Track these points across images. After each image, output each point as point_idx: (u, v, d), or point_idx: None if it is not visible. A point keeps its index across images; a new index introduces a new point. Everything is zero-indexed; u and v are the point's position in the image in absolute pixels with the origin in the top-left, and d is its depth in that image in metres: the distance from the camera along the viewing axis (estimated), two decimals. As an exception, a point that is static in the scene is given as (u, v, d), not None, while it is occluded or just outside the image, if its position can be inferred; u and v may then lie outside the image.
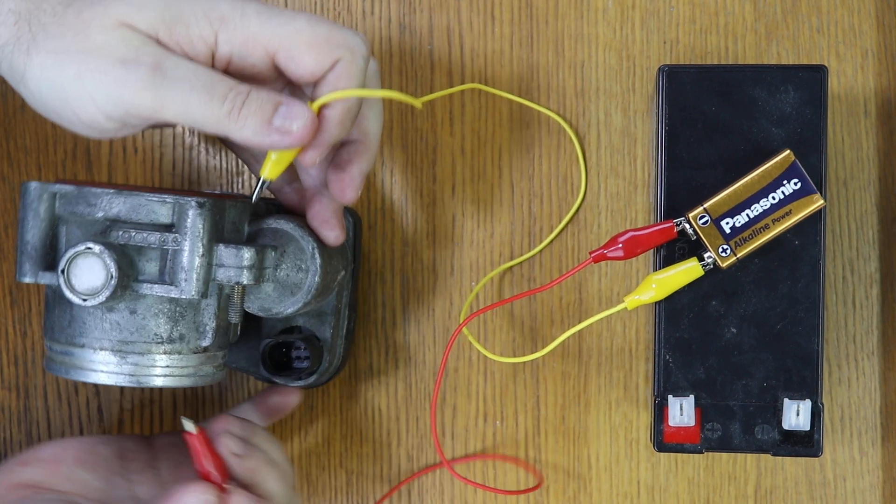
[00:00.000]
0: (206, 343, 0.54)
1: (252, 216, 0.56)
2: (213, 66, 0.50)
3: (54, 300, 0.54)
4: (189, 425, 0.53)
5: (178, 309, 0.53)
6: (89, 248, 0.51)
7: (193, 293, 0.52)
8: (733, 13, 0.64)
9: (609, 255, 0.56)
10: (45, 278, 0.52)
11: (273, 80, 0.52)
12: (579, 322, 0.64)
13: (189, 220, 0.52)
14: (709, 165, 0.56)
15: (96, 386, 0.66)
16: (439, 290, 0.65)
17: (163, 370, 0.53)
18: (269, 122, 0.49)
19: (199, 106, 0.48)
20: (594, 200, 0.64)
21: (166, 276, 0.52)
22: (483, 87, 0.64)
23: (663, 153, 0.56)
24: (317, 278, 0.55)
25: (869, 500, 0.64)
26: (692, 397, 0.56)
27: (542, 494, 0.65)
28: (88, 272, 0.51)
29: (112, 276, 0.50)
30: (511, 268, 0.65)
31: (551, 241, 0.64)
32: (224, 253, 0.53)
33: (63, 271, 0.51)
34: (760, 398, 0.56)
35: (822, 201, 0.54)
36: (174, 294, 0.52)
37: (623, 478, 0.65)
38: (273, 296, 0.56)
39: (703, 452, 0.56)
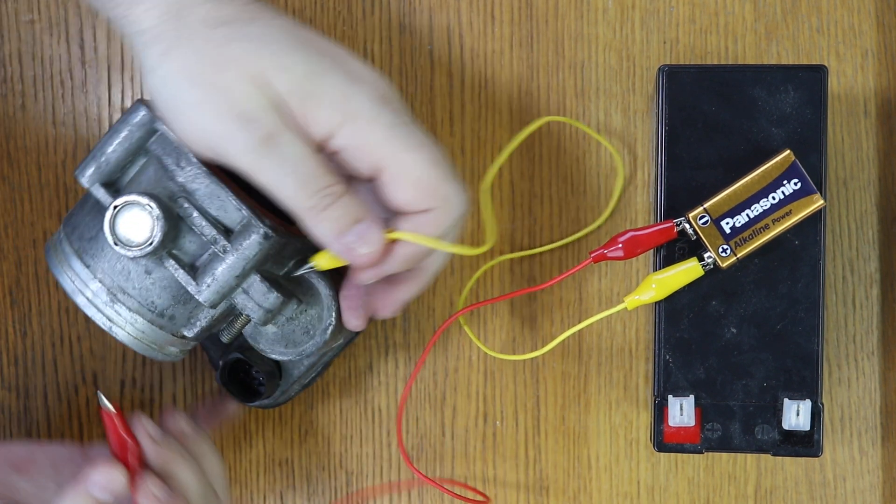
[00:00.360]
0: (188, 334, 0.54)
1: (305, 256, 0.56)
2: (321, 148, 0.49)
3: (92, 209, 0.53)
4: (106, 403, 0.54)
5: (184, 295, 0.52)
6: (149, 207, 0.50)
7: (207, 300, 0.51)
8: (733, 13, 0.64)
9: (609, 255, 0.56)
10: (99, 193, 0.52)
11: (367, 178, 0.51)
12: (579, 321, 0.64)
13: (247, 242, 0.51)
14: (709, 165, 0.56)
15: (96, 385, 0.66)
16: (439, 290, 0.65)
17: (135, 331, 0.52)
18: (341, 234, 0.49)
19: (287, 190, 0.48)
20: (594, 200, 0.64)
21: (197, 265, 0.52)
22: (559, 118, 0.64)
23: (663, 153, 0.56)
24: (315, 348, 0.56)
25: (869, 500, 0.64)
26: (692, 397, 0.56)
27: (543, 494, 0.65)
28: (135, 225, 0.50)
29: (151, 243, 0.50)
30: (511, 267, 0.65)
31: (564, 244, 0.64)
32: (255, 285, 0.52)
33: (115, 207, 0.50)
34: (760, 398, 0.56)
35: (822, 201, 0.54)
36: (191, 289, 0.51)
37: (623, 478, 0.65)
38: (269, 337, 0.56)
39: (703, 452, 0.56)
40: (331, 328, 0.55)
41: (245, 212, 0.51)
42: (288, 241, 0.53)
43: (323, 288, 0.55)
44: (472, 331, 0.65)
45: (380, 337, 0.65)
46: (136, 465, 0.54)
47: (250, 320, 0.54)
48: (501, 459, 0.65)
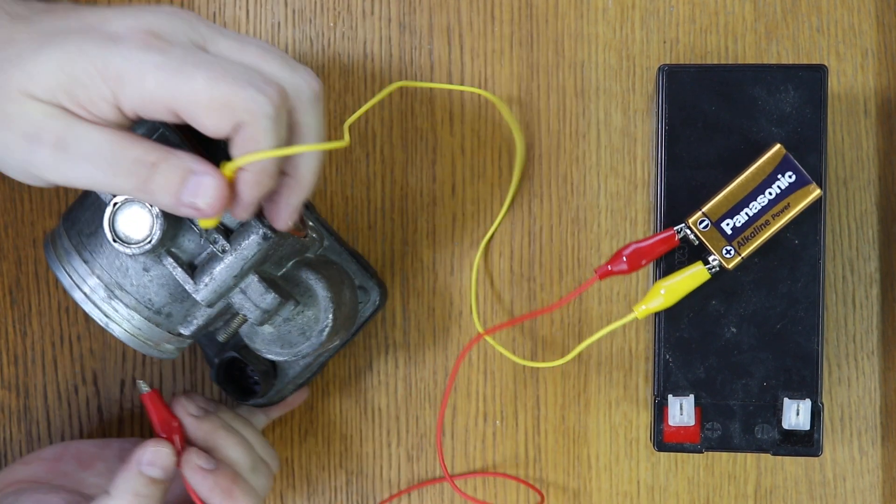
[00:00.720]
0: (184, 332, 0.54)
1: (304, 257, 0.56)
2: (125, 122, 0.47)
3: (92, 205, 0.53)
4: (143, 386, 0.56)
5: (182, 293, 0.52)
6: (149, 205, 0.50)
7: (204, 300, 0.51)
8: (733, 13, 0.64)
9: (614, 270, 0.56)
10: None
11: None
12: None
13: (246, 242, 0.51)
14: (709, 165, 0.56)
15: (96, 385, 0.66)
16: (439, 290, 0.65)
17: (132, 328, 0.53)
18: (177, 196, 0.47)
19: (106, 181, 0.47)
20: (594, 200, 0.64)
21: (195, 264, 0.52)
22: (407, 83, 0.63)
23: (663, 153, 0.56)
24: (311, 349, 0.56)
25: (869, 500, 0.64)
26: (692, 397, 0.56)
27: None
28: (135, 223, 0.50)
29: (150, 241, 0.50)
30: (511, 267, 0.65)
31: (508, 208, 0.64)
32: (253, 285, 0.52)
33: (115, 204, 0.50)
34: (760, 398, 0.56)
35: (818, 191, 0.54)
36: (188, 288, 0.51)
37: (623, 478, 0.64)
38: (265, 337, 0.56)
39: (703, 452, 0.56)
40: (327, 330, 0.55)
41: None
42: (286, 241, 0.53)
43: (321, 290, 0.55)
44: (472, 332, 0.65)
45: (380, 337, 0.65)
46: (180, 442, 0.56)
47: (247, 320, 0.54)
48: (501, 459, 0.65)
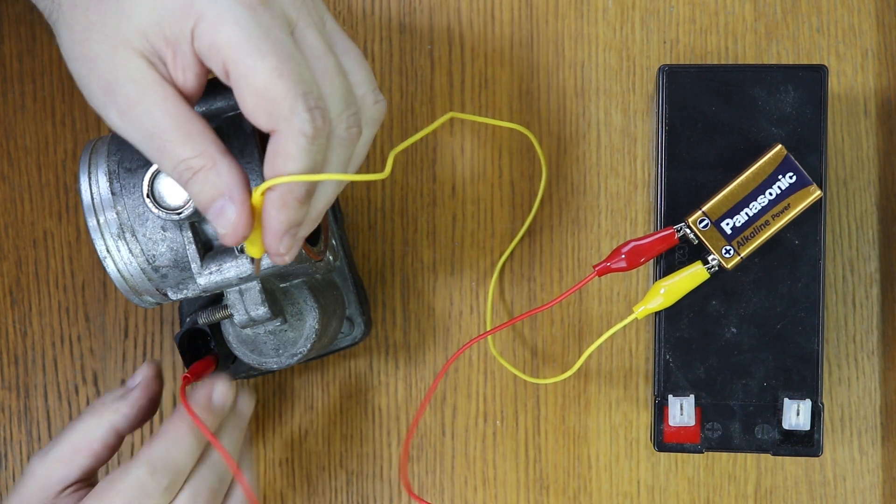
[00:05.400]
0: (171, 296, 0.54)
1: (311, 277, 0.56)
2: (203, 79, 0.47)
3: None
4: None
5: (185, 263, 0.52)
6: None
7: (203, 284, 0.51)
8: (733, 13, 0.64)
9: (613, 266, 0.56)
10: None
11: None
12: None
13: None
14: (709, 165, 0.56)
15: (96, 385, 0.66)
16: (439, 290, 0.65)
17: (126, 272, 0.52)
18: (204, 209, 0.46)
19: (153, 160, 0.47)
20: (594, 200, 0.64)
21: (212, 246, 0.52)
22: (459, 114, 0.63)
23: (663, 153, 0.56)
24: (277, 366, 0.56)
25: (869, 500, 0.64)
26: (692, 397, 0.56)
27: (543, 494, 0.65)
28: (174, 189, 0.50)
29: (180, 213, 0.50)
30: (512, 267, 0.65)
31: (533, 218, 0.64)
32: (252, 292, 0.52)
33: (153, 177, 0.50)
34: (760, 398, 0.56)
35: (819, 192, 0.54)
36: (193, 267, 0.51)
37: (623, 478, 0.65)
38: (241, 336, 0.55)
39: (703, 452, 0.56)
40: (299, 357, 0.55)
41: None
42: (301, 267, 0.53)
43: (311, 319, 0.55)
44: (472, 332, 0.65)
45: (380, 337, 0.65)
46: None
47: (232, 316, 0.54)
48: (501, 459, 0.65)
